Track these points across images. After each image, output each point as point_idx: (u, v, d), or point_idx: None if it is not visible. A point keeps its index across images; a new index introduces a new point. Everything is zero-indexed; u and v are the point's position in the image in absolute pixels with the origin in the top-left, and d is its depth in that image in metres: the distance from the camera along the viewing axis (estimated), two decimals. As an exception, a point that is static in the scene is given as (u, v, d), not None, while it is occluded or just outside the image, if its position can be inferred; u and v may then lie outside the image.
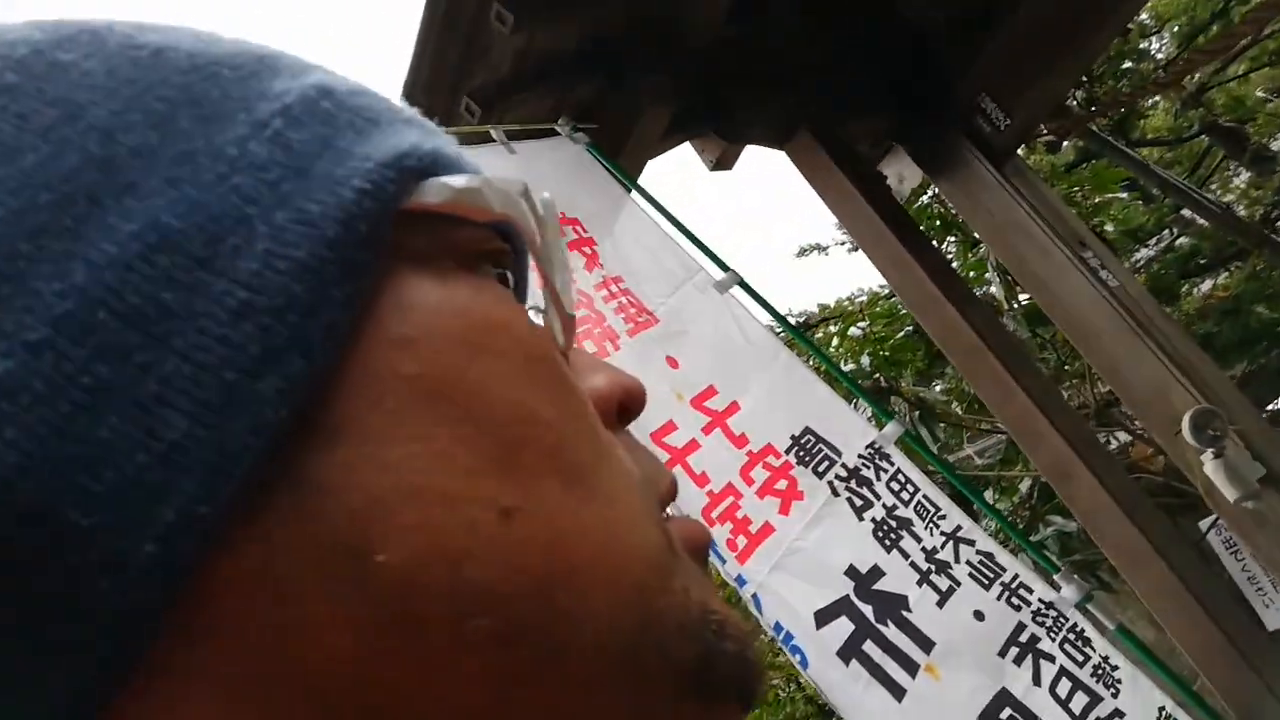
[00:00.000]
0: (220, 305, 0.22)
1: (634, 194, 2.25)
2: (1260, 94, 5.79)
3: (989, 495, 3.63)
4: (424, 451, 0.23)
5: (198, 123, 0.25)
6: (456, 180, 0.27)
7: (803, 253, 5.47)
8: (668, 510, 0.31)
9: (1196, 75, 6.14)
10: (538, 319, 0.31)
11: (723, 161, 3.10)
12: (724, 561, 1.66)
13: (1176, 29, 7.05)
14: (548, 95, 2.44)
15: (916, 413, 3.45)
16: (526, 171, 2.03)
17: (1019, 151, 3.50)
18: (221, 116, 0.25)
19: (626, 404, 0.32)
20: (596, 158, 2.25)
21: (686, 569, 0.28)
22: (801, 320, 4.90)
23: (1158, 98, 6.47)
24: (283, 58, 0.28)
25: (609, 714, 0.25)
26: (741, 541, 1.68)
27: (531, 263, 0.32)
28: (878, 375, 3.59)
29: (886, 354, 3.62)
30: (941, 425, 3.55)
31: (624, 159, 2.63)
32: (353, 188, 0.24)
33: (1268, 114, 5.59)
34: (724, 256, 2.20)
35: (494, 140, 2.01)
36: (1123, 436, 3.88)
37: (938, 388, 3.84)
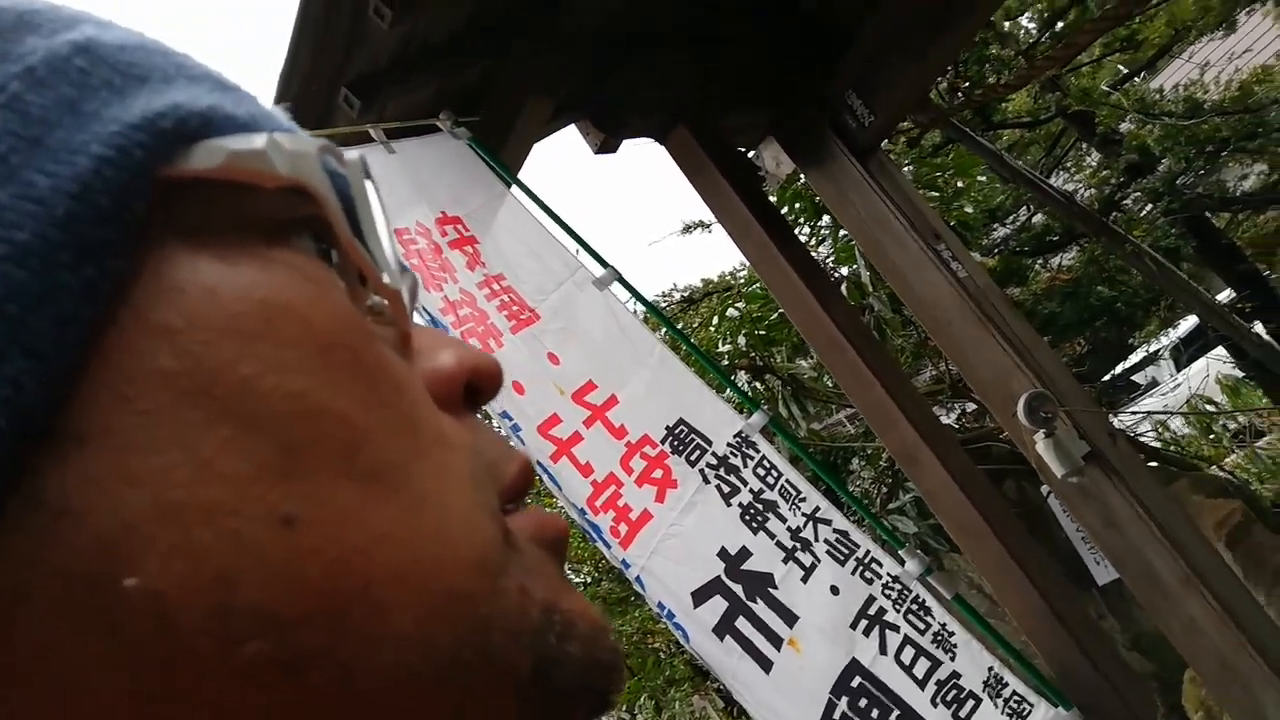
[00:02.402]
0: None
1: (515, 189, 2.29)
2: (1104, 87, 6.24)
3: (856, 463, 3.89)
4: (184, 460, 0.21)
5: None
6: (233, 142, 0.24)
7: (687, 230, 5.61)
8: (523, 500, 0.29)
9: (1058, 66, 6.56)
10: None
11: (606, 146, 3.17)
12: (609, 547, 1.76)
13: (1038, 11, 7.46)
14: (429, 84, 2.44)
15: (789, 389, 3.64)
16: (409, 170, 2.05)
17: (884, 143, 3.69)
18: None
19: (476, 384, 0.30)
20: (479, 153, 2.27)
21: (528, 565, 0.26)
22: (686, 295, 5.04)
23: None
24: (46, 12, 0.24)
25: None
26: (624, 529, 1.78)
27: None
28: (753, 354, 3.76)
29: (762, 333, 3.80)
30: (810, 401, 3.77)
31: (508, 146, 2.67)
32: (90, 155, 0.22)
33: (1111, 104, 6.04)
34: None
35: (374, 139, 2.01)
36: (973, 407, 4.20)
37: (809, 362, 4.05)
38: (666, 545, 1.78)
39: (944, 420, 4.03)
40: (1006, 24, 6.98)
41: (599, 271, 2.20)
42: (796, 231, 4.02)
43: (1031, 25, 6.92)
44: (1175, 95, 7.01)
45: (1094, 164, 7.18)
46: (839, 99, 3.01)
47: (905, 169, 4.97)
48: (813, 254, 3.50)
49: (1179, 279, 4.53)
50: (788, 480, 1.98)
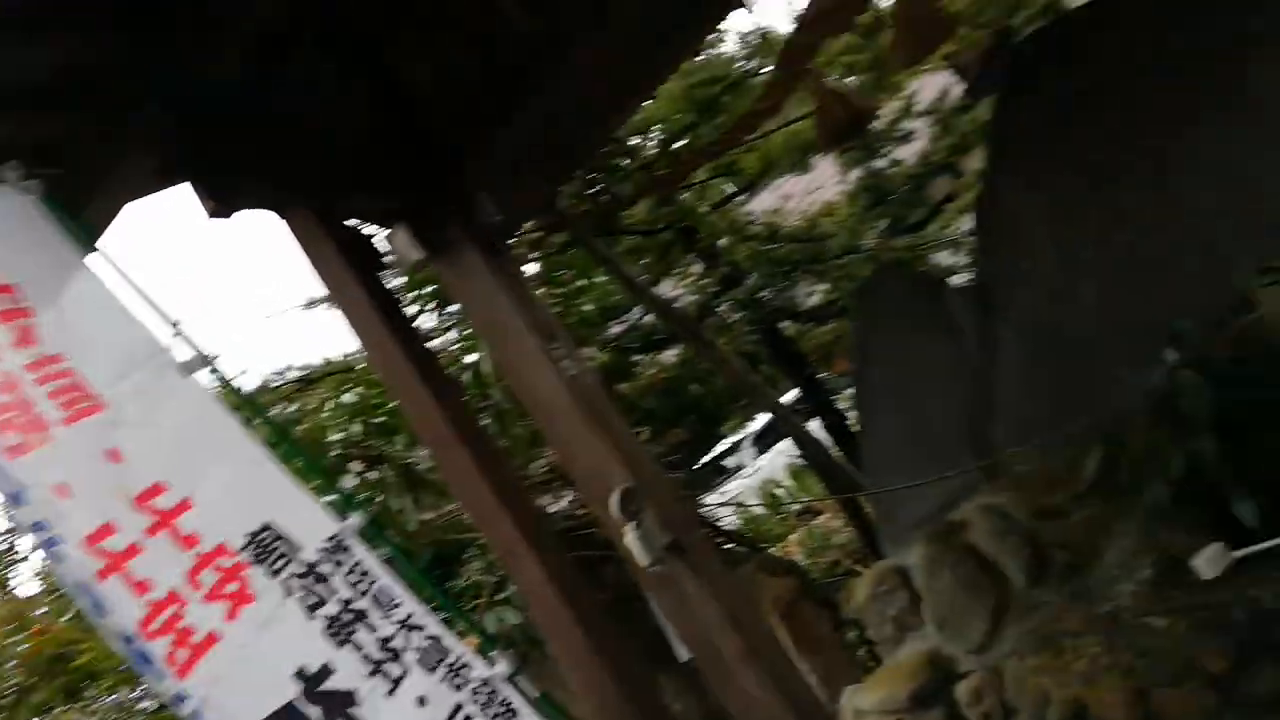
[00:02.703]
0: None
1: (95, 257, 2.03)
2: (705, 208, 7.18)
3: (470, 552, 3.92)
4: None
5: None
6: None
7: (311, 305, 5.33)
8: None
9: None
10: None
11: (220, 213, 2.95)
12: (162, 678, 1.57)
13: (661, 131, 8.38)
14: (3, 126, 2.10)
15: (404, 480, 3.59)
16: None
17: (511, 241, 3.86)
18: None
19: None
20: (51, 212, 1.99)
21: None
22: (304, 375, 4.77)
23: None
24: None
25: None
26: (183, 654, 1.60)
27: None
28: (368, 442, 3.67)
29: (380, 420, 3.72)
30: (426, 491, 3.75)
31: (94, 207, 2.38)
32: None
33: (709, 222, 6.96)
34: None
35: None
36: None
37: (427, 451, 4.03)
38: (235, 670, 1.63)
39: (555, 507, 4.23)
40: (633, 139, 7.75)
41: (187, 354, 2.01)
42: (424, 316, 4.03)
43: (652, 143, 7.77)
44: (761, 220, 8.24)
45: (698, 273, 8.16)
46: (470, 195, 3.11)
47: (533, 265, 5.25)
48: (432, 343, 3.51)
49: (752, 381, 5.27)
50: (381, 586, 1.94)
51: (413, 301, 4.50)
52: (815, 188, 10.36)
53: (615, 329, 6.73)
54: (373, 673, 1.81)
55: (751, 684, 2.70)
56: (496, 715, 1.94)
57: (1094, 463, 3.56)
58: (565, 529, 3.90)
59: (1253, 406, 3.23)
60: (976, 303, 4.56)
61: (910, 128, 8.73)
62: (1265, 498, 3.09)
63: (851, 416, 7.41)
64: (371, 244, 3.26)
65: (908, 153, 9.22)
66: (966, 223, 8.00)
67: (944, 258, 9.06)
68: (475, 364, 3.89)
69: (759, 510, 7.20)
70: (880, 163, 8.83)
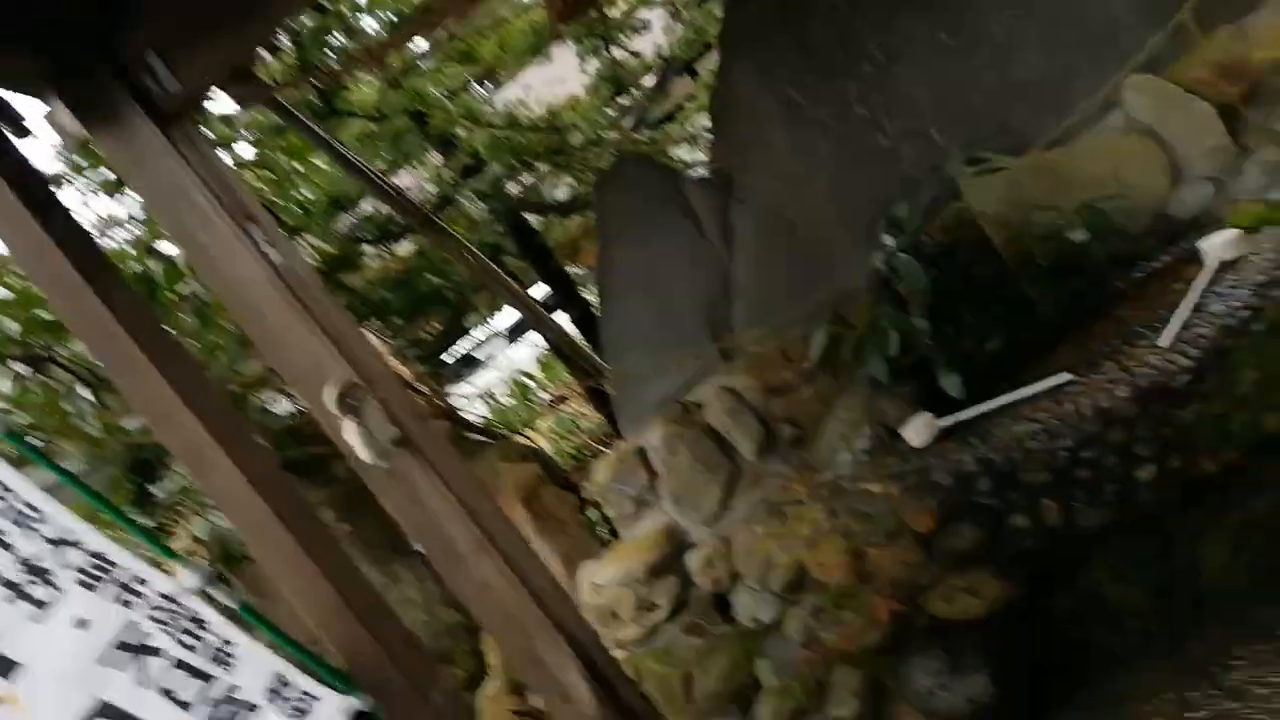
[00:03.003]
0: None
1: None
2: (437, 92, 6.75)
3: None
4: None
5: None
6: None
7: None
8: None
9: (399, 61, 6.89)
10: None
11: None
12: None
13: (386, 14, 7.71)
14: None
15: (87, 383, 3.11)
16: None
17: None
18: None
19: None
20: None
21: None
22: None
23: (369, 75, 7.04)
24: None
25: None
26: None
27: None
28: (31, 341, 3.12)
29: (45, 317, 3.16)
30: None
31: None
32: None
33: (442, 110, 6.56)
34: None
35: None
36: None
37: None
38: None
39: (278, 409, 3.89)
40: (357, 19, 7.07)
41: None
42: (97, 198, 3.45)
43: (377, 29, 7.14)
44: (502, 110, 7.93)
45: (438, 163, 7.74)
46: (138, 60, 2.64)
47: (249, 146, 4.67)
48: (116, 229, 3.02)
49: (492, 272, 5.11)
50: (25, 500, 1.64)
51: (98, 185, 3.85)
52: (557, 79, 10.13)
53: (348, 220, 6.24)
54: (12, 598, 1.54)
55: (484, 571, 2.65)
56: (183, 630, 1.74)
57: (820, 341, 3.76)
58: (290, 427, 3.60)
59: (960, 288, 3.51)
60: (714, 191, 4.65)
61: (646, 18, 8.67)
62: (969, 371, 3.37)
63: (598, 307, 7.48)
64: (8, 109, 2.70)
65: (645, 45, 9.18)
66: (706, 121, 8.15)
67: (684, 153, 9.25)
68: (171, 255, 3.41)
69: (509, 401, 7.19)
70: (619, 54, 8.73)
